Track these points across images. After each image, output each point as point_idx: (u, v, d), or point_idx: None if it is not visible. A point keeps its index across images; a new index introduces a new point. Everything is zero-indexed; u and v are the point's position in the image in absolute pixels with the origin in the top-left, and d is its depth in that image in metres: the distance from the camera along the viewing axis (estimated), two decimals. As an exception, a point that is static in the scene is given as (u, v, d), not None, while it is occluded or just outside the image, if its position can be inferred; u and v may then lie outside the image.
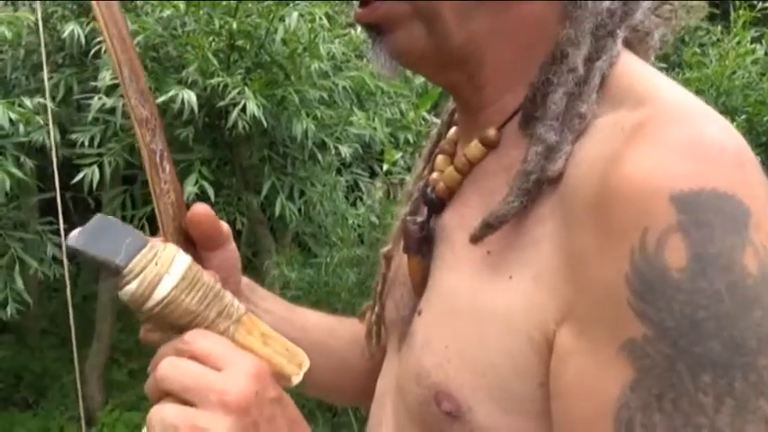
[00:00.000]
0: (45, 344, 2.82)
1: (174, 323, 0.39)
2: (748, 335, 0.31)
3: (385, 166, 2.15)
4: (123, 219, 2.12)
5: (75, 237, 0.39)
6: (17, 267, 1.80)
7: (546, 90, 0.41)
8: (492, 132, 0.45)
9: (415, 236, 0.48)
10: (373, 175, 2.40)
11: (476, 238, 0.41)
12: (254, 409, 0.36)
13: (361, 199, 2.19)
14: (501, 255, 0.41)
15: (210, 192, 1.85)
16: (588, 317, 0.35)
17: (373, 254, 1.84)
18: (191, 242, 0.46)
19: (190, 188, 1.81)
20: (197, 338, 0.39)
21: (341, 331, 0.65)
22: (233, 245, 0.50)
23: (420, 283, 0.48)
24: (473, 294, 0.41)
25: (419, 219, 0.49)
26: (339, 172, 2.23)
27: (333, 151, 2.01)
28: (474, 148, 0.45)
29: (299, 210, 1.99)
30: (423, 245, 0.47)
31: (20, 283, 1.78)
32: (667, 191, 0.32)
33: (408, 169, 2.11)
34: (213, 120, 2.03)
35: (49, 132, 1.73)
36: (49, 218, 2.08)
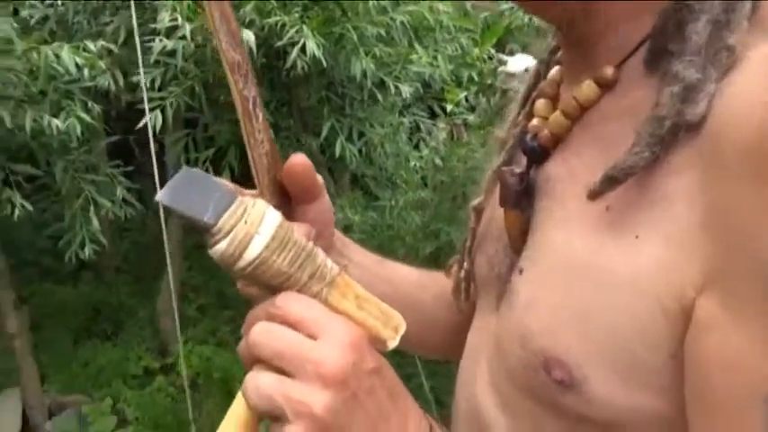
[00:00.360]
0: (120, 280, 2.98)
1: (266, 283, 0.38)
2: None
3: (449, 107, 2.06)
4: (187, 162, 2.15)
5: (163, 192, 0.38)
6: (92, 209, 1.88)
7: (682, 18, 0.35)
8: (609, 70, 0.39)
9: (513, 188, 0.44)
10: (433, 115, 2.32)
11: (596, 194, 0.36)
12: (353, 381, 0.34)
13: (424, 140, 2.12)
14: (623, 211, 0.36)
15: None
16: (738, 282, 0.30)
17: (437, 197, 1.80)
18: (285, 194, 0.44)
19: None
20: (290, 302, 0.36)
21: (428, 285, 0.62)
22: (326, 197, 0.48)
23: (518, 239, 0.44)
24: (588, 253, 0.37)
25: (518, 170, 0.45)
26: (401, 113, 2.16)
27: (392, 91, 1.94)
28: (587, 88, 0.40)
29: (360, 151, 1.95)
30: (522, 198, 0.43)
31: (96, 224, 1.86)
32: None
33: (472, 109, 2.02)
34: (271, 60, 2.00)
35: (114, 75, 1.75)
36: (116, 161, 2.14)
